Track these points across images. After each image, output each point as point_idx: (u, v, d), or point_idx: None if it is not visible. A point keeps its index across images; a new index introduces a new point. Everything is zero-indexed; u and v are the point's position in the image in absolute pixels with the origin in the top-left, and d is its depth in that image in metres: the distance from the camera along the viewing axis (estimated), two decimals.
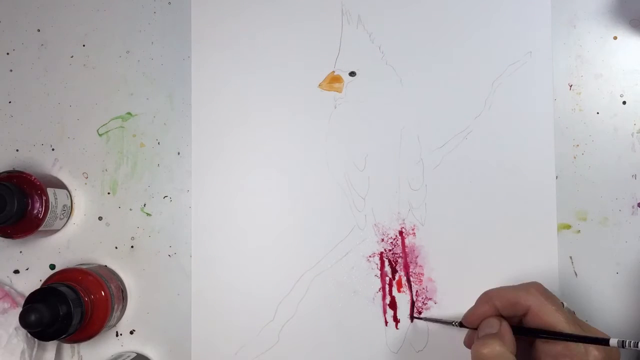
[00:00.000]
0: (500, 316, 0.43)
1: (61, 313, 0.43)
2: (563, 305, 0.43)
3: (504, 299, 0.42)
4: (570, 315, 0.42)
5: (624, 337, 0.48)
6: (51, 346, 0.50)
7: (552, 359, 0.41)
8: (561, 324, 0.40)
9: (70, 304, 0.44)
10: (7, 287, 0.50)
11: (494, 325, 0.42)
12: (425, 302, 0.50)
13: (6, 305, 0.49)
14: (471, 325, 0.44)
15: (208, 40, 0.52)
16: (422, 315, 0.50)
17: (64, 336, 0.44)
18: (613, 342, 0.38)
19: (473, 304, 0.44)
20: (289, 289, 0.51)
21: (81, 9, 0.53)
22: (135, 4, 0.53)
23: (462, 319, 0.45)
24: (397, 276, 0.51)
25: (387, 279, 0.51)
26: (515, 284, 0.44)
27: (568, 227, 0.51)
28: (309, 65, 0.52)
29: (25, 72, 0.52)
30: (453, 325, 0.46)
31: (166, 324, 0.51)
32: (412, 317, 0.50)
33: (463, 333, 0.46)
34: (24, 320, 0.42)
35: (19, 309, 0.48)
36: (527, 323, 0.42)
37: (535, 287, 0.42)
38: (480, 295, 0.44)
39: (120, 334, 0.51)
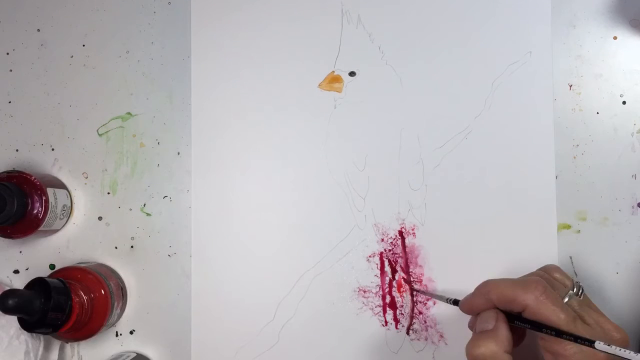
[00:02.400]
0: (498, 308, 0.41)
1: (43, 300, 0.42)
2: (574, 286, 0.42)
3: (500, 294, 0.41)
4: (580, 305, 0.41)
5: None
6: (54, 346, 0.50)
7: (552, 355, 0.40)
8: (560, 323, 0.38)
9: (52, 291, 0.42)
10: (7, 287, 0.50)
11: (489, 320, 0.41)
12: (425, 302, 0.50)
13: None
14: (467, 313, 0.44)
15: (208, 40, 0.52)
16: (422, 316, 0.50)
17: (52, 330, 0.43)
18: (599, 345, 0.37)
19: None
20: (289, 289, 0.51)
21: (81, 9, 0.53)
22: (135, 4, 0.53)
23: (460, 303, 0.44)
24: (397, 276, 0.51)
25: (387, 279, 0.51)
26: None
27: (568, 227, 0.51)
28: (309, 65, 0.52)
29: (25, 72, 0.52)
30: (447, 302, 0.46)
31: (166, 324, 0.51)
32: (411, 290, 0.50)
33: (462, 333, 0.46)
34: (1, 304, 0.40)
35: None
36: (526, 317, 0.40)
37: (535, 284, 0.40)
38: (479, 285, 0.43)
39: (120, 334, 0.51)
